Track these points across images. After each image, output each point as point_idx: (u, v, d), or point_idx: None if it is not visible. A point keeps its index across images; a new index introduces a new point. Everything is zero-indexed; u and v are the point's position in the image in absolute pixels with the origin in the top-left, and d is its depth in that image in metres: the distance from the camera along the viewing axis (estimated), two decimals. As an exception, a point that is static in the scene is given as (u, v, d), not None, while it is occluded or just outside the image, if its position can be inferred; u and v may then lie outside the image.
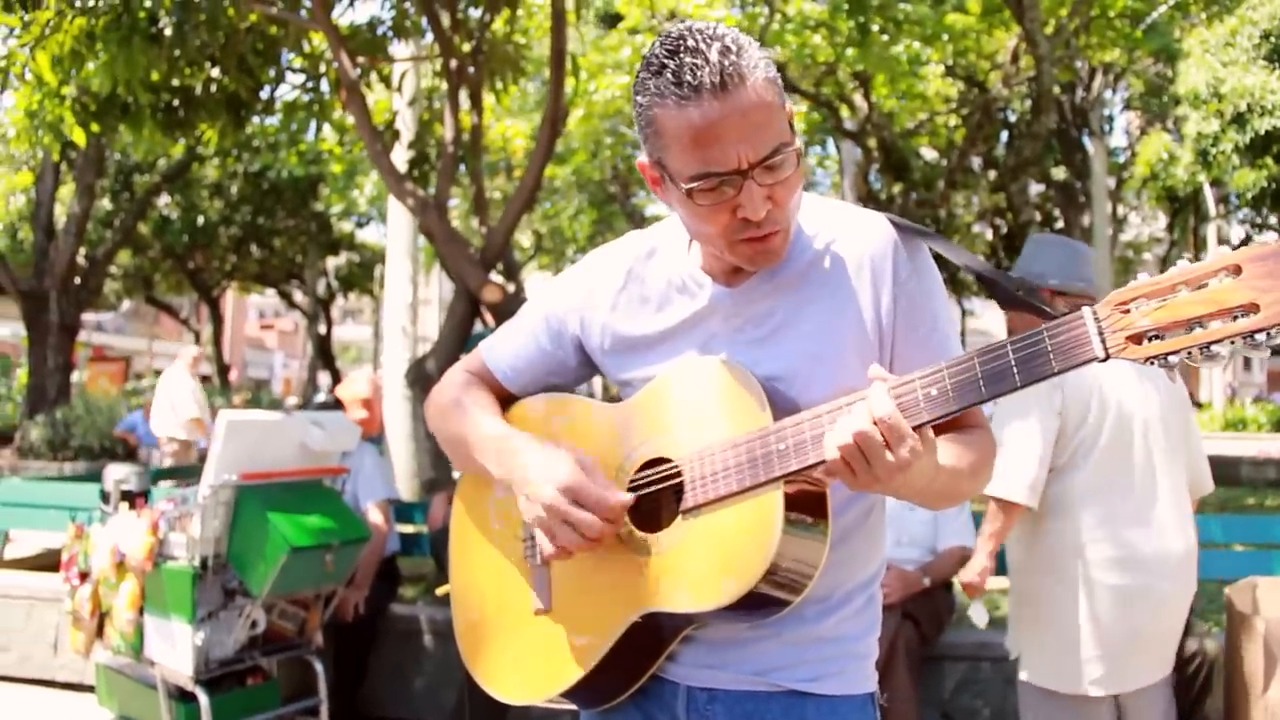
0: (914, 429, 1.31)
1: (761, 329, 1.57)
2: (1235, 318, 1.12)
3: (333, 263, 30.27)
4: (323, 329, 29.52)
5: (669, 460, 1.53)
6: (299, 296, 31.46)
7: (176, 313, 33.05)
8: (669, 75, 1.38)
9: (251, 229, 24.32)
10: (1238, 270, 1.12)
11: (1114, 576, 3.12)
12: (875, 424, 1.29)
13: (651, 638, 1.56)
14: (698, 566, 1.46)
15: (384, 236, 29.36)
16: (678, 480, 1.52)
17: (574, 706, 1.71)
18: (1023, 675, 3.27)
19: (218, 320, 28.57)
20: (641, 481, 1.56)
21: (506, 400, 1.78)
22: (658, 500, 1.55)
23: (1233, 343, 1.13)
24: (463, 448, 1.72)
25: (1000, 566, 4.17)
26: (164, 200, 22.60)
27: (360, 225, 28.38)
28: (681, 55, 1.38)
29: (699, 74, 1.36)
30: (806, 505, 1.44)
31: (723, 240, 1.47)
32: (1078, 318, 1.22)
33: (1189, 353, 1.15)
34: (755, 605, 1.44)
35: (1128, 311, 1.19)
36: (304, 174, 21.82)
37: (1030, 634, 3.25)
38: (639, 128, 1.48)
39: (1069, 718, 3.18)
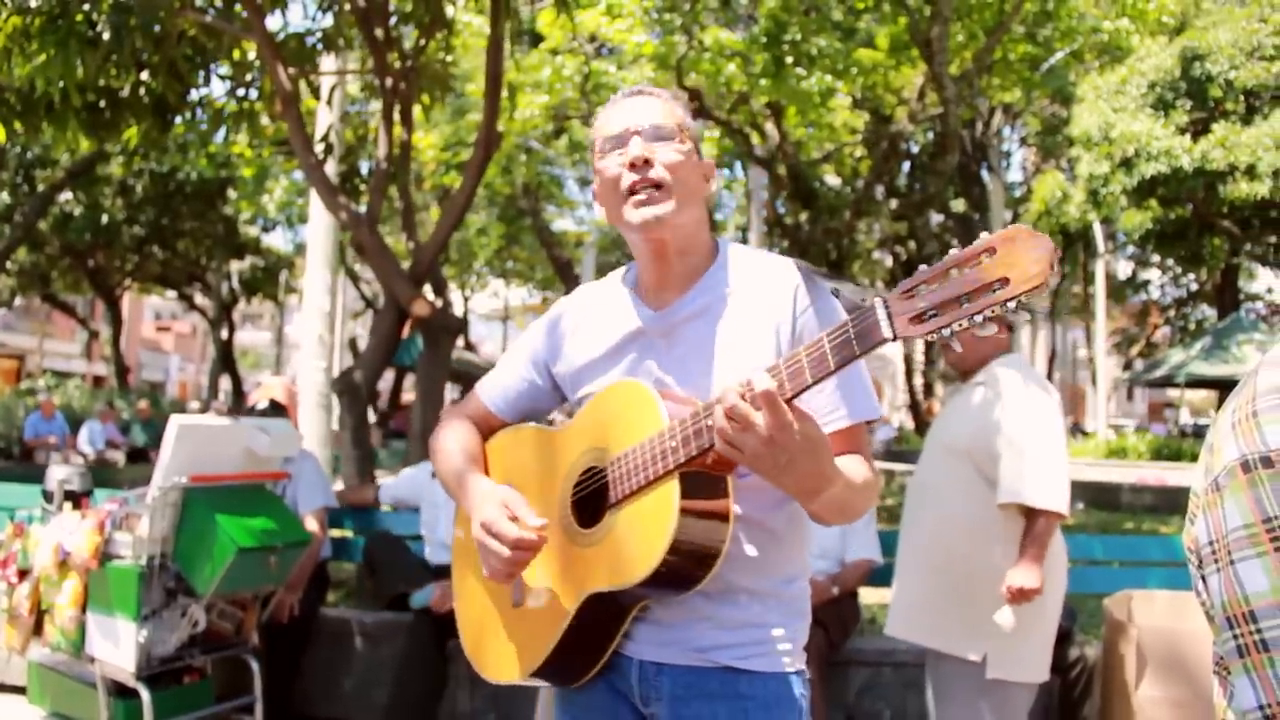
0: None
1: (680, 348, 1.88)
2: (994, 290, 1.33)
3: (236, 266, 29.82)
4: (225, 333, 29.07)
5: (598, 468, 1.82)
6: (200, 299, 30.93)
7: (73, 311, 32.22)
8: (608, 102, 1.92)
9: (155, 229, 23.86)
10: (993, 251, 1.34)
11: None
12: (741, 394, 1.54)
13: (603, 618, 1.84)
14: (620, 550, 1.74)
15: (290, 242, 29.06)
16: (605, 483, 1.80)
17: (548, 684, 1.98)
18: (994, 674, 3.31)
19: (117, 321, 27.90)
20: (581, 487, 1.86)
21: (499, 427, 2.11)
22: (600, 501, 1.83)
23: (993, 311, 1.33)
24: (450, 486, 2.06)
25: (885, 577, 4.46)
26: (65, 196, 22.06)
27: (266, 230, 27.98)
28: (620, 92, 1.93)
29: (619, 92, 1.92)
30: (706, 491, 1.70)
31: (619, 199, 1.83)
32: (872, 308, 1.44)
33: (961, 323, 1.36)
34: (669, 579, 1.70)
35: (912, 297, 1.40)
36: (213, 176, 21.52)
37: (1013, 633, 3.30)
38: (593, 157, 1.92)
39: (1025, 703, 3.43)
